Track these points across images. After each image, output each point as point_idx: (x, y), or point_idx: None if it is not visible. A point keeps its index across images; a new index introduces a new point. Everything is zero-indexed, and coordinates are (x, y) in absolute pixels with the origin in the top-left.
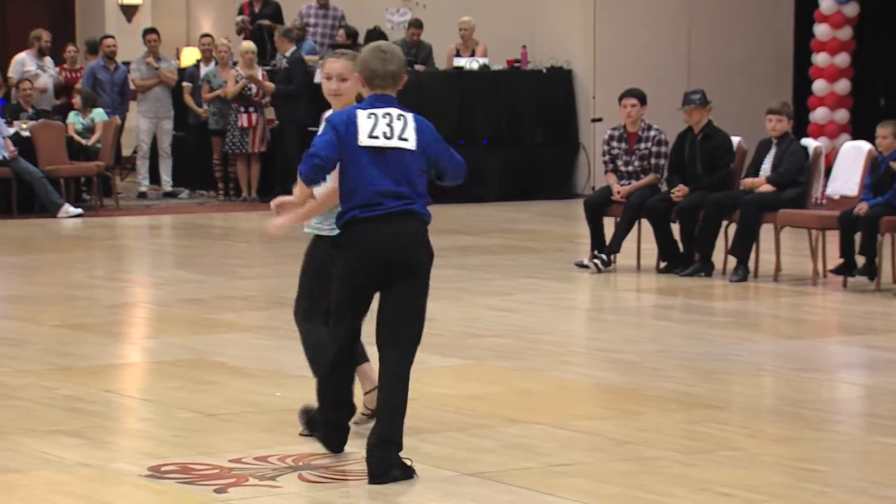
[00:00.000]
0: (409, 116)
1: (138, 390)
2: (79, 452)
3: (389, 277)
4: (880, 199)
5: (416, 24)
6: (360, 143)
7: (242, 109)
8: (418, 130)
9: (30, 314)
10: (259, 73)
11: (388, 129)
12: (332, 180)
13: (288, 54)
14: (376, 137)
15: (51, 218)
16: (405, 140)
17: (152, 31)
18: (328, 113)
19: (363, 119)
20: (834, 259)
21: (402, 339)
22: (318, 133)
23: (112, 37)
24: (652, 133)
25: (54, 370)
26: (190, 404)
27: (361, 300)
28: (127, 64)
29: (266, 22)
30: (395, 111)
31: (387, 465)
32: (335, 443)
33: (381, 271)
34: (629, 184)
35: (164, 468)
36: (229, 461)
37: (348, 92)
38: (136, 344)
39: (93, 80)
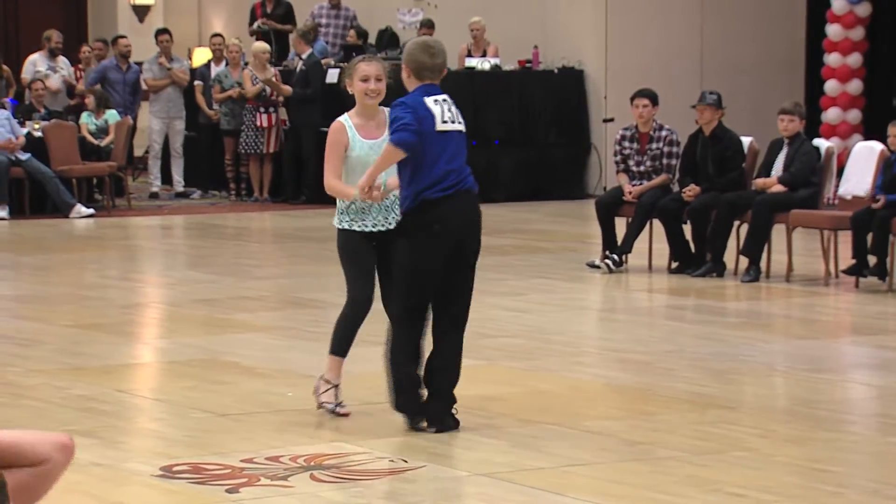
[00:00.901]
0: (452, 101)
1: (151, 390)
2: (91, 452)
3: (458, 258)
4: (893, 196)
5: (428, 25)
6: (437, 129)
7: (262, 109)
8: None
9: (42, 314)
10: (272, 72)
11: (450, 113)
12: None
13: (305, 56)
14: (447, 122)
15: (63, 218)
16: (461, 122)
17: (165, 31)
18: (395, 103)
19: (433, 106)
20: (846, 260)
21: (461, 318)
22: (399, 111)
23: (125, 37)
24: (663, 133)
25: (66, 370)
26: (202, 404)
27: (433, 284)
28: (139, 64)
29: (271, 22)
30: (447, 97)
31: (444, 419)
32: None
33: (453, 253)
34: (641, 184)
35: (176, 468)
36: (241, 461)
37: (384, 92)
38: (149, 344)
39: (102, 78)
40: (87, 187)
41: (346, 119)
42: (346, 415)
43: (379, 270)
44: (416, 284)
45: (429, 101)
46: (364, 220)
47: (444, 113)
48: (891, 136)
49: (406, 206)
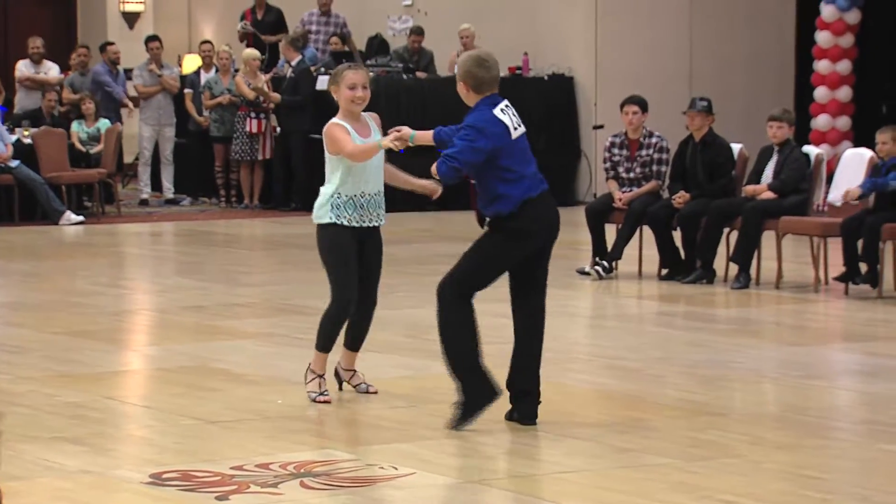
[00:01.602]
0: (508, 103)
1: (140, 397)
2: (80, 459)
3: (541, 253)
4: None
5: (418, 32)
6: (513, 137)
7: (253, 115)
8: None
9: (32, 321)
10: (263, 79)
11: (516, 118)
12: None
13: (294, 63)
14: (517, 128)
15: (52, 225)
16: (521, 125)
17: (155, 38)
18: (469, 118)
19: (502, 116)
20: (835, 266)
21: (542, 296)
22: (461, 135)
23: (113, 43)
24: (653, 140)
25: (56, 377)
26: (191, 411)
27: (498, 276)
28: (128, 71)
29: (267, 37)
30: (506, 104)
31: (532, 413)
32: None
33: (538, 249)
34: (630, 191)
35: (165, 475)
36: (231, 468)
37: (368, 98)
38: (138, 351)
39: (94, 84)
40: (76, 194)
41: (339, 120)
42: (327, 402)
43: (361, 266)
44: (487, 272)
45: (497, 111)
46: (361, 216)
47: (512, 119)
48: (879, 143)
49: (507, 209)
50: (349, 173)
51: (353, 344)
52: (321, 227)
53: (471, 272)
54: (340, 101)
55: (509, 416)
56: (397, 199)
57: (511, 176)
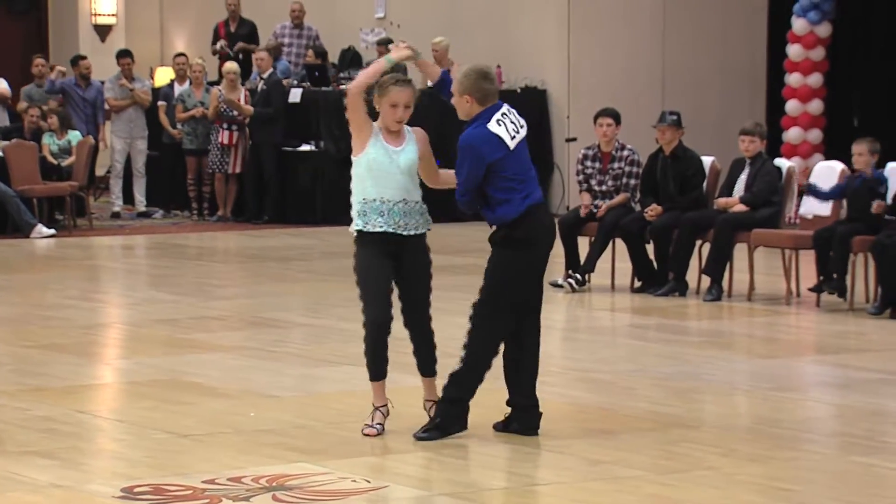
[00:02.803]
0: (508, 107)
1: (112, 411)
2: (51, 474)
3: (544, 263)
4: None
5: (385, 44)
6: (510, 148)
7: (225, 127)
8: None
9: (2, 334)
10: (242, 93)
11: (513, 125)
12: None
13: (265, 75)
14: (514, 137)
15: (24, 238)
16: (523, 127)
17: (126, 54)
18: (465, 134)
19: (497, 128)
20: (807, 278)
21: (539, 311)
22: (459, 159)
23: (85, 57)
24: (625, 153)
25: (27, 391)
26: (163, 425)
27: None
28: (102, 83)
29: (241, 44)
30: (505, 109)
31: (535, 424)
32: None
33: (547, 252)
34: (603, 203)
35: (137, 489)
36: (203, 482)
37: (408, 117)
38: (110, 364)
39: (62, 96)
40: (48, 207)
41: (375, 124)
42: (368, 434)
43: (399, 283)
44: (512, 295)
45: (492, 125)
46: (386, 221)
47: (508, 130)
48: (855, 155)
49: (512, 213)
50: (367, 176)
51: (421, 368)
52: (355, 239)
53: (493, 293)
54: (381, 111)
55: (503, 428)
56: None
57: (513, 184)
